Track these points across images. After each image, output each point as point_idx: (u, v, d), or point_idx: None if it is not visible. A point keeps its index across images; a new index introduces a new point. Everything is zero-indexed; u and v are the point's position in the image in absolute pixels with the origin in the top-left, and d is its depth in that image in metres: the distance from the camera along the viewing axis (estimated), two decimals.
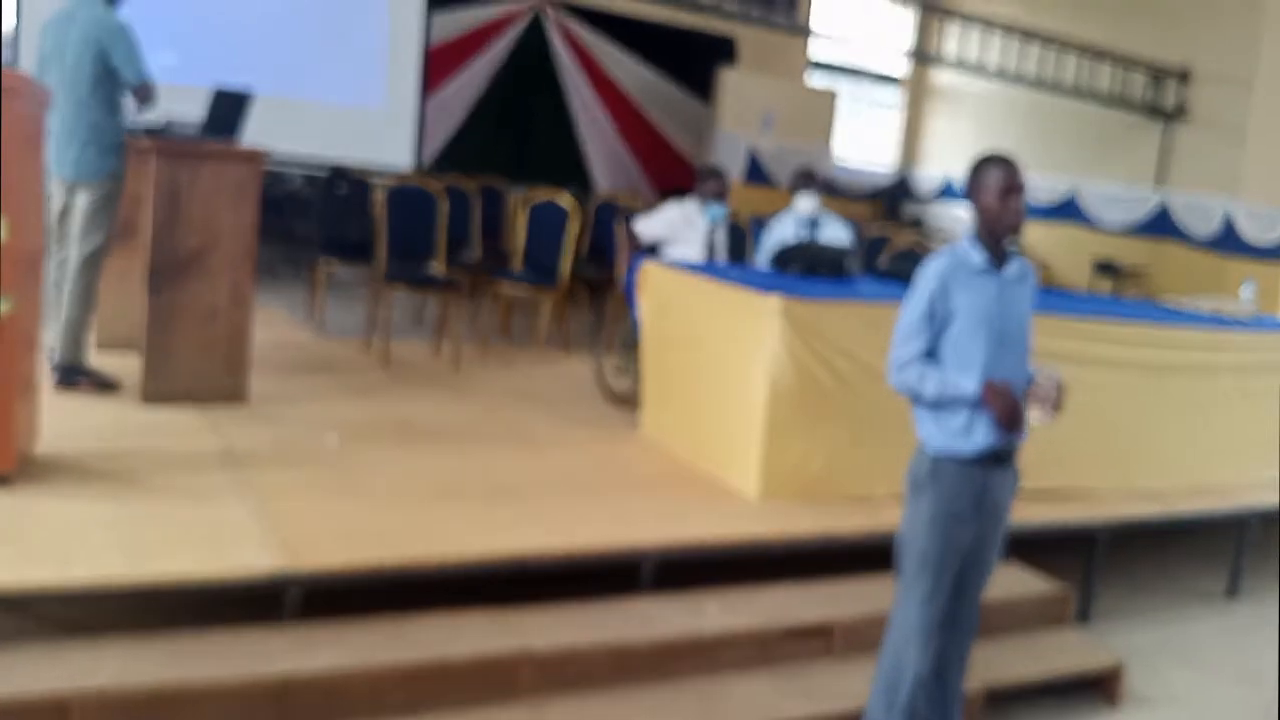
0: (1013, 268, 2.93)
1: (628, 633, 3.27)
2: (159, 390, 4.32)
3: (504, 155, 11.81)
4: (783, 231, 5.47)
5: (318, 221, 7.01)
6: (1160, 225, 13.06)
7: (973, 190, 2.91)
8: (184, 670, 2.66)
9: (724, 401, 4.30)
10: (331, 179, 6.88)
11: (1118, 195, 13.37)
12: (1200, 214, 12.56)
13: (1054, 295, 8.01)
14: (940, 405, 2.87)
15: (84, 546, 2.96)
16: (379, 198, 6.01)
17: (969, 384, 2.83)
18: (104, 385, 4.48)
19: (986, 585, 3.08)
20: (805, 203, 5.54)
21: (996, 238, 2.89)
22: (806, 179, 5.64)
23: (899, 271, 5.19)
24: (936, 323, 2.87)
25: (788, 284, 4.37)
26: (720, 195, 5.50)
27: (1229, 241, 12.30)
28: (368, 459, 4.11)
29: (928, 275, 2.89)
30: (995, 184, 2.86)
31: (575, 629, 3.22)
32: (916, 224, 14.88)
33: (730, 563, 3.75)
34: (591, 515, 3.77)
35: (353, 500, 3.64)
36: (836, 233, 5.55)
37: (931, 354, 2.88)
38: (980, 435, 2.86)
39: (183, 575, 2.86)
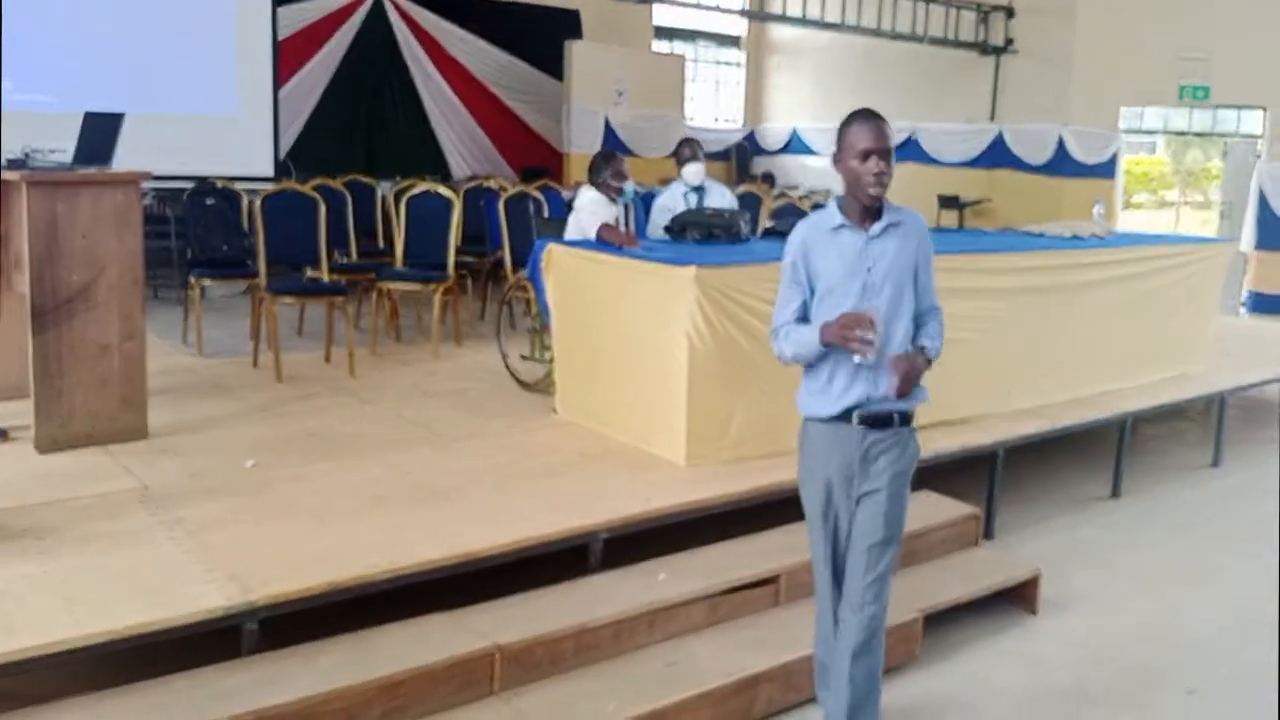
0: (881, 223, 2.82)
1: (587, 612, 3.32)
2: (54, 436, 4.12)
3: (355, 150, 11.56)
4: (671, 201, 5.55)
5: (185, 238, 6.72)
6: (997, 156, 13.75)
7: (838, 150, 2.82)
8: None
9: (643, 375, 4.37)
10: (197, 192, 6.59)
11: (955, 131, 13.99)
12: (1034, 141, 13.27)
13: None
14: (807, 363, 2.85)
15: (23, 611, 2.82)
16: (254, 207, 5.81)
17: (814, 328, 2.78)
18: None
19: (873, 564, 2.86)
20: (692, 171, 5.62)
21: (859, 200, 2.81)
22: (692, 147, 5.73)
23: (781, 229, 5.37)
24: (804, 288, 2.85)
25: (690, 252, 4.46)
26: (624, 176, 5.48)
27: (1062, 164, 13.05)
28: (289, 478, 4.02)
29: (790, 242, 2.90)
30: (854, 145, 2.76)
31: (537, 617, 3.25)
32: (768, 177, 15.23)
33: (670, 529, 3.84)
34: (530, 504, 3.79)
35: (285, 523, 3.56)
36: (722, 198, 5.67)
37: (805, 320, 2.86)
38: (838, 390, 2.81)
39: (135, 626, 2.75)
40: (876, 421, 2.83)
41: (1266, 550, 5.03)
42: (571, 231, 5.40)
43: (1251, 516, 5.51)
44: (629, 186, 5.50)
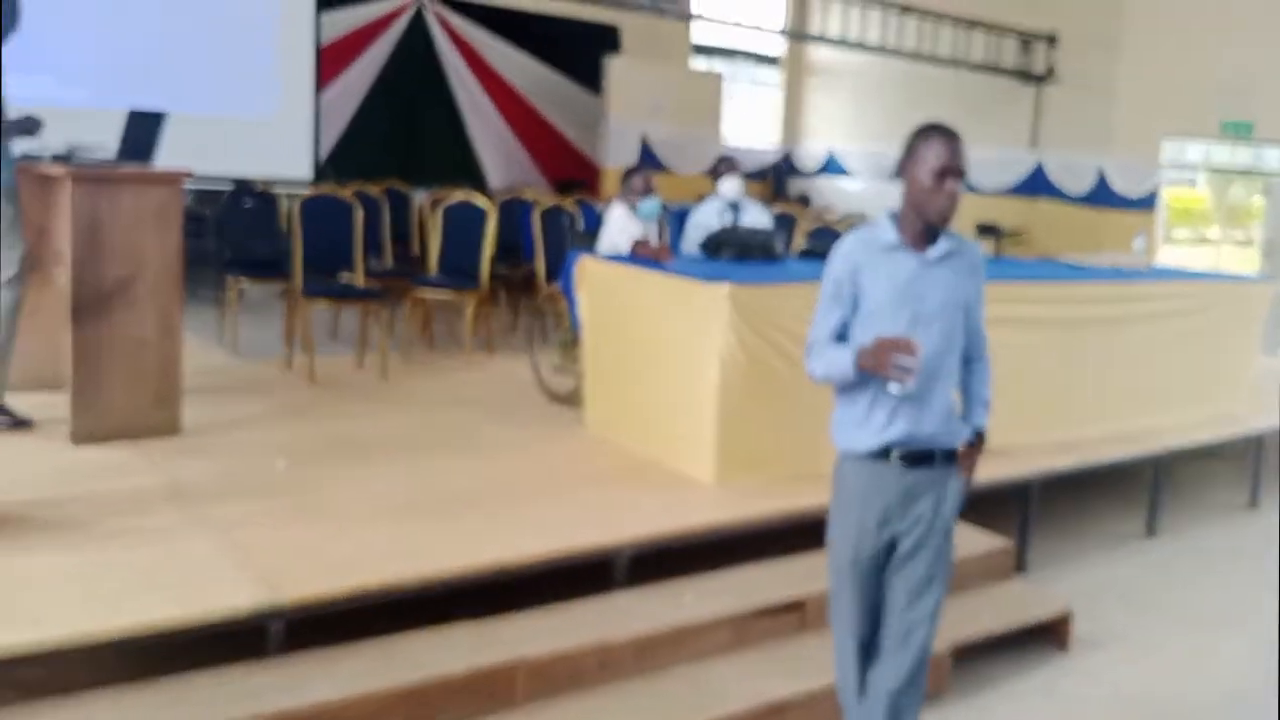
0: (939, 248, 2.60)
1: (610, 630, 3.29)
2: (89, 429, 4.14)
3: (393, 157, 11.60)
4: (706, 218, 5.54)
5: (223, 239, 6.77)
6: (1036, 185, 13.65)
7: (906, 161, 2.58)
8: (173, 717, 2.58)
9: (673, 391, 4.35)
10: (236, 194, 6.65)
11: (995, 158, 13.89)
12: (1074, 172, 13.17)
13: None
14: (841, 388, 2.64)
15: (52, 603, 2.83)
16: (291, 210, 5.84)
17: (848, 354, 2.54)
18: (18, 424, 4.28)
19: (924, 629, 2.67)
20: (729, 187, 5.60)
21: (923, 220, 2.57)
22: (729, 165, 5.72)
23: (818, 249, 5.33)
24: (845, 304, 2.62)
25: (725, 270, 4.44)
26: (649, 191, 5.50)
27: (1102, 196, 12.93)
28: (318, 480, 4.02)
29: (836, 255, 2.66)
30: (931, 162, 2.52)
31: (561, 632, 3.23)
32: (803, 199, 15.20)
33: (696, 549, 3.80)
34: (557, 516, 3.77)
35: (314, 525, 3.56)
36: (758, 216, 5.65)
37: (843, 339, 2.64)
38: (878, 425, 2.57)
39: (163, 621, 2.75)
40: (918, 460, 2.59)
41: None
42: (602, 246, 5.41)
43: None
44: (646, 204, 5.46)
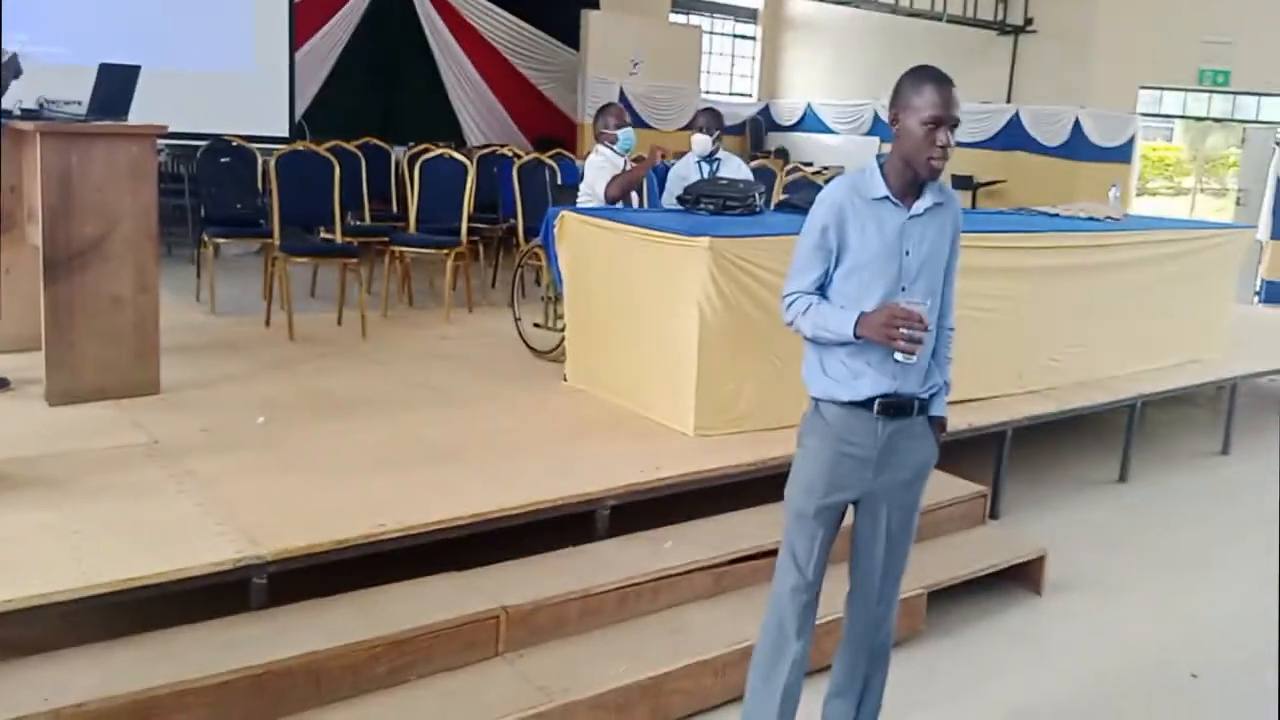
0: (925, 201, 2.51)
1: (592, 578, 3.32)
2: (65, 389, 4.13)
3: (370, 114, 11.47)
4: (686, 170, 5.53)
5: (199, 196, 6.70)
6: (1012, 137, 13.67)
7: (897, 105, 2.46)
8: (162, 673, 2.59)
9: (653, 344, 4.37)
10: (212, 150, 6.57)
11: (971, 110, 13.87)
12: (1050, 123, 13.19)
13: None
14: (822, 344, 2.54)
15: (33, 560, 2.83)
16: (269, 166, 5.79)
17: (848, 318, 2.45)
18: None
19: (895, 585, 2.69)
20: (700, 141, 5.60)
21: (913, 172, 2.47)
22: (709, 118, 5.70)
23: (796, 202, 5.34)
24: (829, 256, 2.51)
25: (704, 223, 4.44)
26: (622, 123, 5.49)
27: (1078, 147, 12.98)
28: (300, 436, 4.03)
29: (822, 205, 2.53)
30: (923, 111, 2.39)
31: (543, 580, 3.26)
32: (781, 153, 15.16)
33: (676, 498, 3.85)
34: (538, 468, 3.80)
35: (296, 479, 3.57)
36: (737, 169, 5.64)
37: (823, 291, 2.55)
38: (868, 380, 2.51)
39: (145, 576, 2.77)
40: (898, 410, 2.53)
41: (1271, 538, 5.02)
42: (583, 197, 5.40)
43: (1259, 505, 5.49)
44: (624, 135, 5.45)
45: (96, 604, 2.74)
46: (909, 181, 2.49)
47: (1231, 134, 14.27)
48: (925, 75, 2.44)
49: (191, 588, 2.85)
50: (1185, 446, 6.44)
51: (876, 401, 2.52)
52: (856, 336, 2.45)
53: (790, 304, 2.57)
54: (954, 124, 2.42)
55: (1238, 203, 12.86)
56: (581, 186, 5.49)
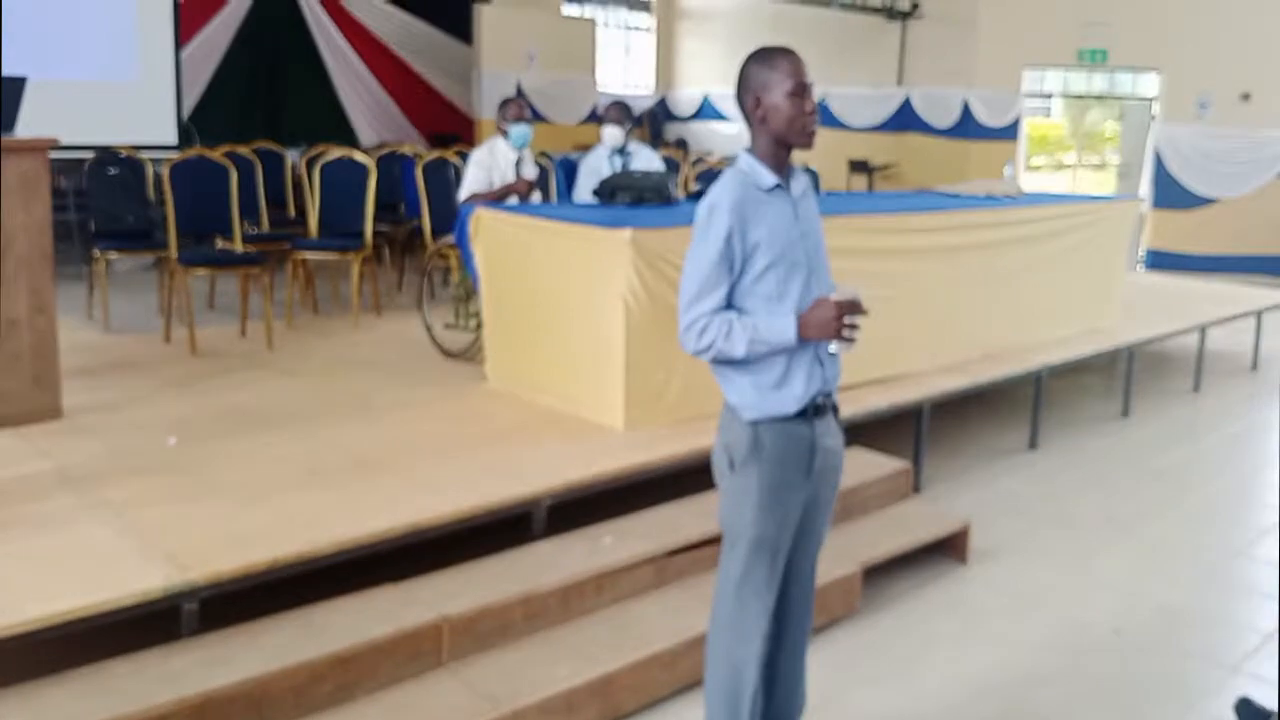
0: (799, 183, 2.47)
1: (534, 580, 3.29)
2: None
3: (257, 116, 11.17)
4: (598, 163, 5.51)
5: (88, 210, 6.40)
6: (905, 120, 14.00)
7: (752, 91, 2.38)
8: (98, 709, 2.47)
9: (578, 340, 4.34)
10: (100, 161, 6.28)
11: (864, 95, 14.18)
12: (940, 105, 13.55)
13: (842, 197, 8.51)
14: (743, 362, 2.40)
15: None
16: (162, 175, 5.56)
17: (787, 324, 2.34)
18: None
19: (816, 565, 2.69)
20: (612, 134, 5.59)
21: (786, 147, 2.40)
22: (620, 110, 5.69)
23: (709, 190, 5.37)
24: (732, 266, 2.36)
25: (622, 215, 4.42)
26: (520, 117, 5.45)
27: (967, 128, 13.36)
28: (214, 454, 3.88)
29: (719, 211, 2.36)
30: (785, 80, 2.34)
31: (483, 586, 3.21)
32: (680, 144, 15.25)
33: (612, 494, 3.83)
34: (470, 472, 3.74)
35: (216, 500, 3.44)
36: (649, 161, 5.65)
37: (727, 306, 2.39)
38: (799, 385, 2.42)
39: (72, 610, 2.63)
40: (821, 409, 2.48)
41: (1177, 495, 5.26)
42: (463, 191, 5.39)
43: (1161, 464, 5.75)
44: (516, 130, 5.42)
45: (19, 643, 2.59)
46: (783, 165, 2.44)
47: (1109, 109, 14.86)
48: (770, 51, 2.40)
49: (120, 619, 2.73)
50: (1089, 412, 6.68)
51: (810, 405, 2.45)
52: (801, 340, 2.35)
53: (702, 329, 2.36)
54: (811, 90, 2.38)
55: (1119, 175, 13.42)
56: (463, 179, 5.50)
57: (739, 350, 2.36)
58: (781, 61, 2.37)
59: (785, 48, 2.41)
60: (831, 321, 2.33)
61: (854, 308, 2.34)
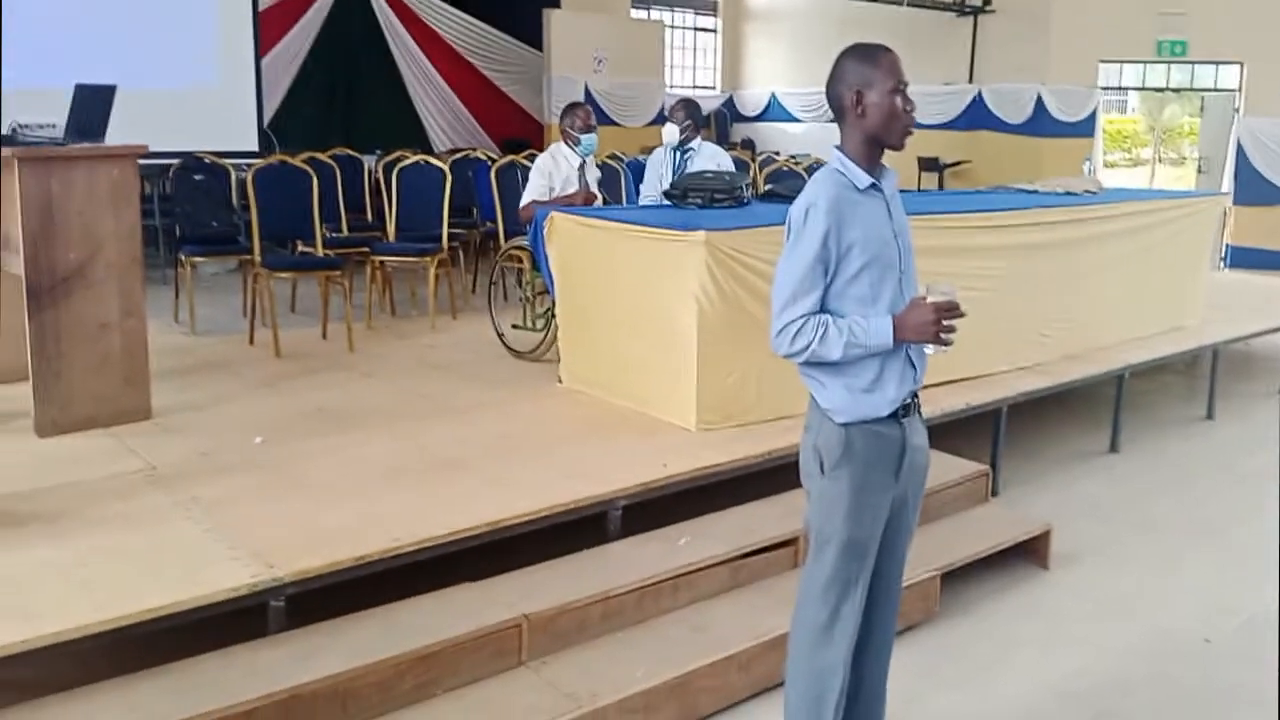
0: (889, 182, 2.44)
1: (611, 579, 3.31)
2: (55, 420, 4.04)
3: (334, 122, 11.40)
4: (658, 161, 5.53)
5: (174, 215, 6.59)
6: (976, 117, 13.75)
7: (852, 86, 2.34)
8: (188, 704, 2.54)
9: (651, 340, 4.35)
10: (185, 168, 6.47)
11: (934, 93, 13.96)
12: (1012, 101, 13.28)
13: (917, 195, 8.40)
14: (837, 365, 2.37)
15: (44, 597, 2.76)
16: (246, 181, 5.70)
17: (884, 326, 2.32)
18: None
19: (905, 559, 2.65)
20: (668, 131, 5.62)
21: (880, 146, 2.38)
22: (687, 109, 5.69)
23: (784, 191, 5.35)
24: (828, 268, 2.33)
25: (694, 217, 4.43)
26: (588, 127, 5.49)
27: (1041, 124, 13.07)
28: (299, 454, 3.97)
29: (817, 210, 2.32)
30: (888, 78, 2.32)
31: (561, 585, 3.24)
32: (747, 144, 15.18)
33: (684, 495, 3.83)
34: (547, 472, 3.77)
35: (302, 498, 3.52)
36: (713, 158, 5.64)
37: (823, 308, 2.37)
38: (893, 388, 2.41)
39: (162, 606, 2.71)
40: (909, 409, 2.47)
41: (1264, 500, 5.10)
42: (524, 198, 5.47)
43: (1248, 467, 5.58)
44: (588, 139, 5.47)
45: (112, 639, 2.68)
46: (875, 164, 2.41)
47: (1188, 103, 14.46)
48: (871, 48, 2.38)
49: (208, 615, 2.80)
50: (1171, 414, 6.51)
51: (902, 405, 2.44)
52: (897, 342, 2.33)
53: (796, 332, 2.33)
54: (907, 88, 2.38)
55: (1199, 170, 13.04)
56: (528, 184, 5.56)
57: (835, 353, 2.32)
58: (884, 59, 2.35)
59: (885, 45, 2.39)
60: (930, 325, 2.30)
61: (951, 309, 2.31)
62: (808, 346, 2.33)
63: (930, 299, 2.32)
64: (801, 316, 2.33)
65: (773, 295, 2.40)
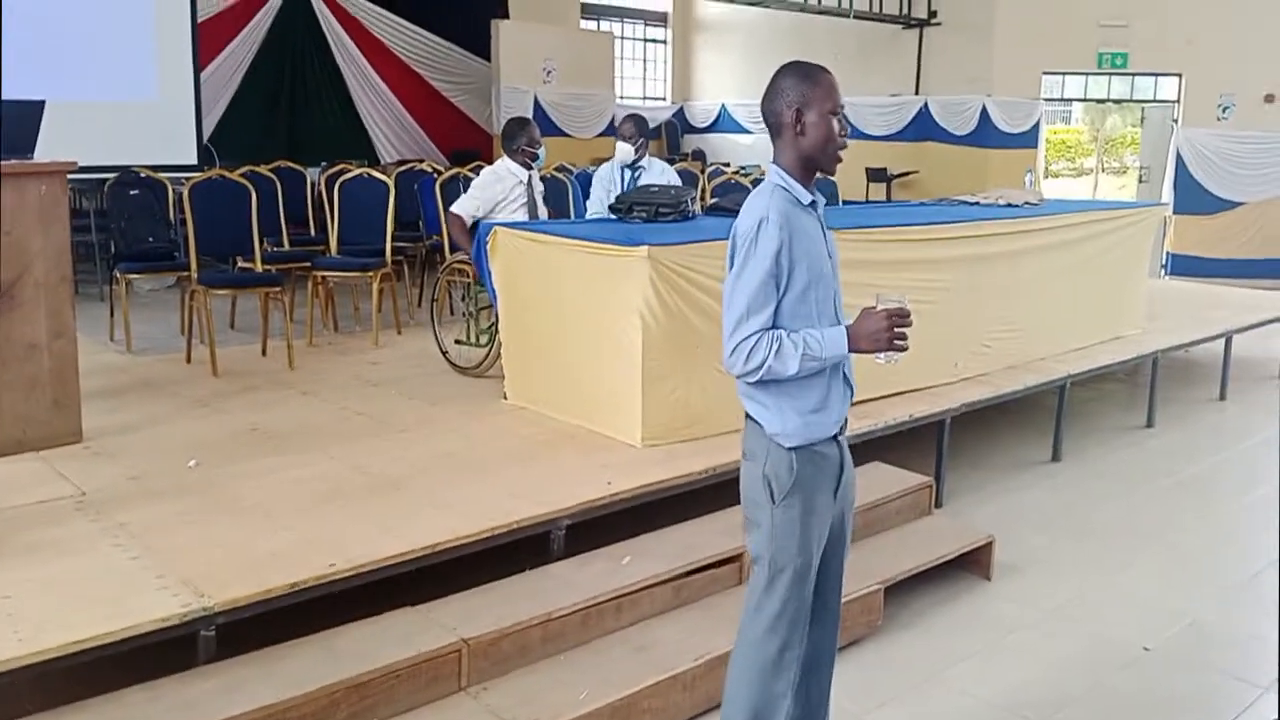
0: (820, 199, 2.44)
1: (553, 601, 3.26)
2: None
3: (278, 135, 11.26)
4: (609, 177, 5.51)
5: (109, 231, 6.46)
6: (923, 128, 13.92)
7: (791, 104, 2.33)
8: None
9: (595, 356, 4.32)
10: (121, 183, 6.33)
11: (881, 104, 14.12)
12: (958, 112, 13.47)
13: (860, 207, 8.46)
14: (784, 382, 2.35)
15: None
16: (182, 196, 5.59)
17: (838, 336, 2.31)
18: None
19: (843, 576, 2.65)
20: (622, 150, 5.60)
21: (815, 168, 2.38)
22: (635, 125, 5.68)
23: (729, 205, 5.34)
24: (780, 283, 2.31)
25: (638, 231, 4.41)
26: (534, 144, 5.46)
27: (986, 135, 13.27)
28: (235, 477, 3.88)
29: (769, 226, 2.29)
30: (826, 99, 2.32)
31: (502, 608, 3.19)
32: (698, 155, 15.24)
33: (629, 512, 3.81)
34: (488, 492, 3.72)
35: (235, 523, 3.44)
36: (662, 175, 5.64)
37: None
38: (836, 408, 2.42)
39: (89, 638, 2.62)
40: (842, 429, 2.49)
41: (1203, 507, 5.18)
42: (454, 206, 5.45)
43: (1188, 474, 5.67)
44: (542, 154, 5.46)
45: (35, 672, 2.59)
46: (809, 183, 2.41)
47: (1129, 114, 14.75)
48: (811, 68, 2.37)
49: (137, 646, 2.72)
50: (1111, 422, 6.61)
51: (841, 426, 2.46)
52: (853, 351, 2.34)
53: (751, 349, 2.29)
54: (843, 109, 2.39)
55: (1140, 180, 13.31)
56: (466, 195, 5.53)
57: (791, 367, 2.29)
58: (823, 79, 2.35)
59: (823, 66, 2.38)
60: (883, 332, 2.29)
61: (903, 315, 2.30)
62: (763, 363, 2.29)
63: (880, 307, 2.32)
64: (755, 333, 2.29)
65: (724, 314, 2.35)
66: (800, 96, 2.33)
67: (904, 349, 2.32)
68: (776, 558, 2.43)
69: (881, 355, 2.36)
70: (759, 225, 2.31)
